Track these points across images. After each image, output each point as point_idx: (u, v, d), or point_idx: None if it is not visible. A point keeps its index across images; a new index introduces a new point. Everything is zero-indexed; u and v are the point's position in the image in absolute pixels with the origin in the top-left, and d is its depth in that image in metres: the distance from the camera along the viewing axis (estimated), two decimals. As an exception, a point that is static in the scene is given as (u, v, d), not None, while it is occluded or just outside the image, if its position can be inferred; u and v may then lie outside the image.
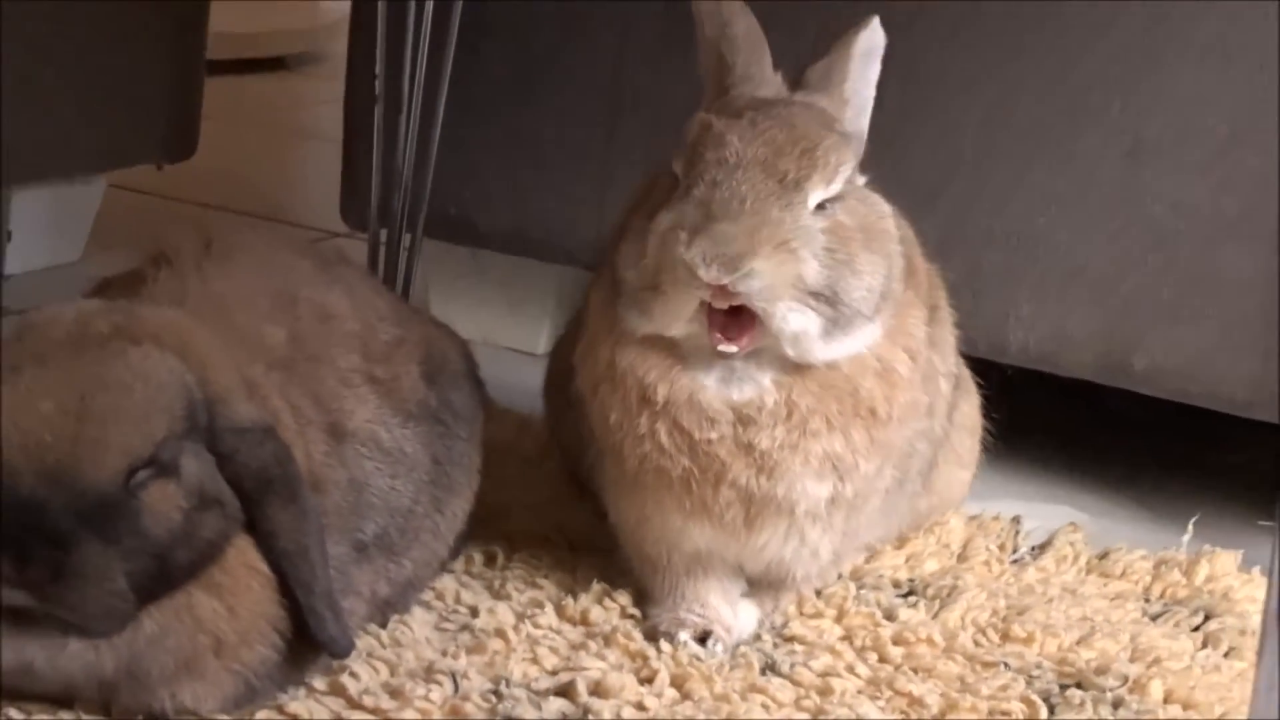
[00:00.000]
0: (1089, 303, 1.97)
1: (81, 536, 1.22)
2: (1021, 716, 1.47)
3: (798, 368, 1.43)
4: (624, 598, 1.60)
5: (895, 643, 1.57)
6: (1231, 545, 1.85)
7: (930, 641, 1.58)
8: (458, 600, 1.59)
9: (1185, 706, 1.50)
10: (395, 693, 1.39)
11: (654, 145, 1.47)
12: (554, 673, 1.46)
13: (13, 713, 1.29)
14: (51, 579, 1.21)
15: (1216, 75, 1.88)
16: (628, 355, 1.47)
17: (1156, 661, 1.57)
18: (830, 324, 1.41)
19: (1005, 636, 1.62)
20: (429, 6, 2.10)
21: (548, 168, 2.23)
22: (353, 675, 1.40)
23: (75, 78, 2.37)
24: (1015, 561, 1.81)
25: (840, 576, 1.69)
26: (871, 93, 1.51)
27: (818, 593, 1.65)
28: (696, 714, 1.41)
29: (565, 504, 1.77)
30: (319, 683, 1.40)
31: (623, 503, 1.55)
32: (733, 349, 1.40)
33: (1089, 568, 1.81)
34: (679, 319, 1.42)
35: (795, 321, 1.39)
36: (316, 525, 1.33)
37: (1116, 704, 1.50)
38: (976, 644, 1.60)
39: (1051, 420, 1.91)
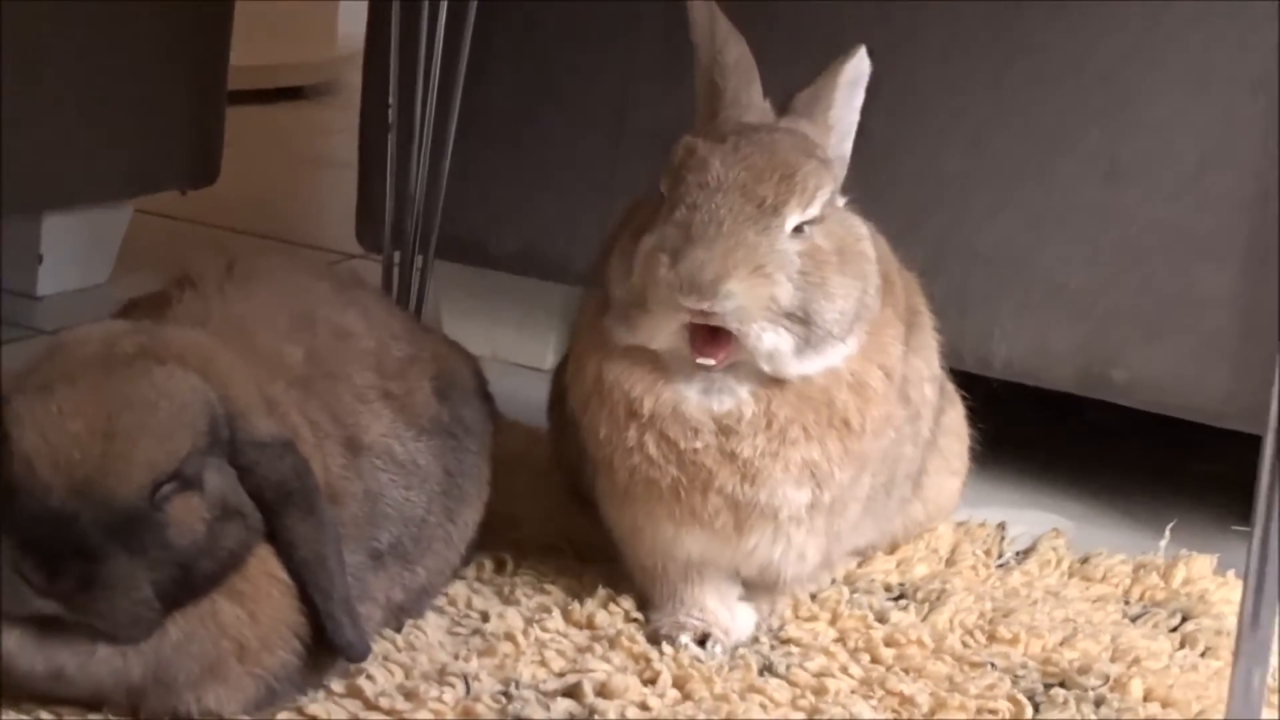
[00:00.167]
0: (1070, 319, 1.97)
1: (109, 548, 1.22)
2: (1008, 715, 1.46)
3: (775, 381, 1.43)
4: (628, 603, 1.60)
5: (887, 644, 1.57)
6: (1207, 550, 1.84)
7: (920, 643, 1.58)
8: (469, 605, 1.59)
9: (1164, 704, 1.50)
10: (410, 695, 1.39)
11: (656, 170, 1.47)
12: (561, 675, 1.46)
13: (44, 715, 1.29)
14: (81, 588, 1.21)
15: (1189, 103, 1.89)
16: (614, 370, 1.46)
17: (1136, 661, 1.57)
18: (803, 343, 1.41)
19: (992, 638, 1.61)
20: (440, 38, 2.10)
21: (554, 191, 2.23)
22: (369, 678, 1.40)
23: (104, 109, 2.37)
24: (1001, 566, 1.81)
25: (834, 581, 1.69)
26: (855, 119, 1.51)
27: (812, 597, 1.65)
28: (697, 714, 1.41)
29: (571, 514, 1.77)
30: (337, 685, 1.39)
31: (618, 515, 1.55)
32: (711, 363, 1.40)
33: (1071, 572, 1.81)
34: (662, 334, 1.42)
35: (769, 340, 1.40)
36: (334, 535, 1.33)
37: (1098, 702, 1.49)
38: (964, 645, 1.60)
39: (1035, 431, 1.91)
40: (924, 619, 1.64)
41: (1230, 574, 1.79)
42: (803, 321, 1.40)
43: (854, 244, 1.47)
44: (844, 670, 1.52)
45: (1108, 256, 1.94)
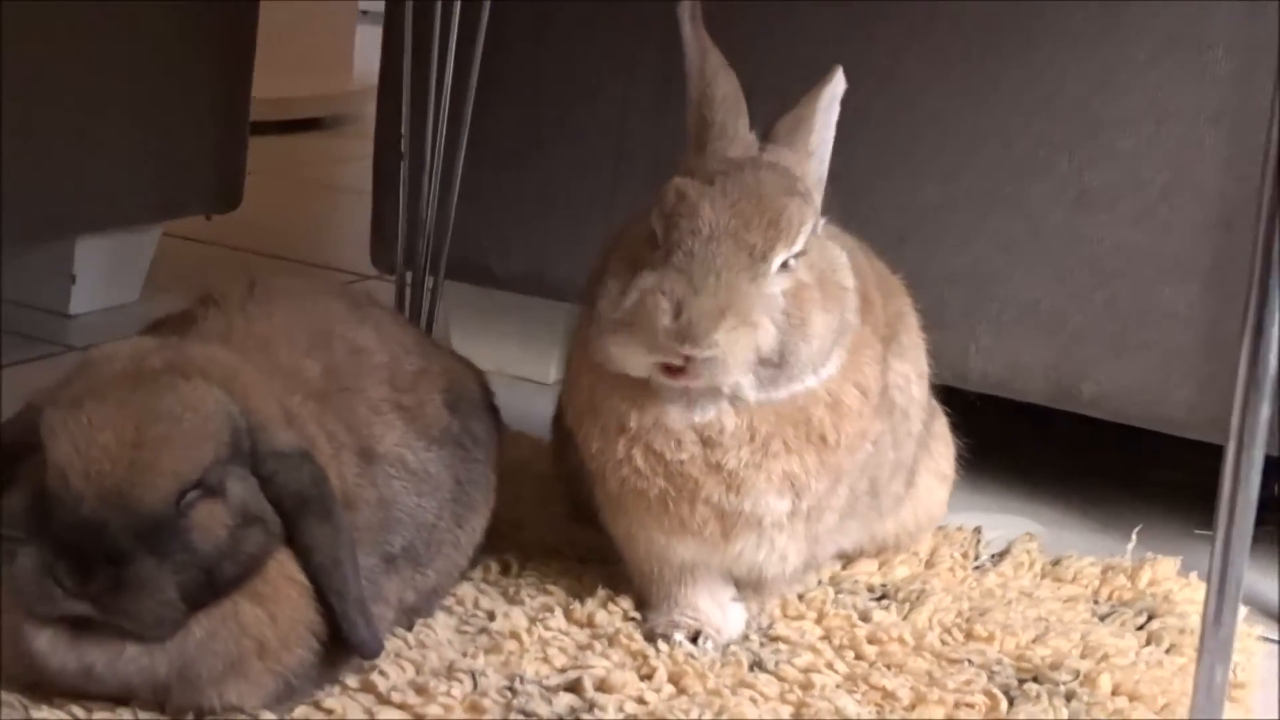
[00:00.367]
0: (1041, 335, 1.97)
1: (137, 552, 1.21)
2: (984, 709, 1.46)
3: None
4: (626, 603, 1.59)
5: (870, 642, 1.57)
6: (1171, 552, 1.84)
7: (901, 640, 1.57)
8: (476, 605, 1.58)
9: (1131, 698, 1.50)
10: (420, 690, 1.39)
11: (651, 193, 1.47)
12: (563, 671, 1.46)
13: (76, 711, 1.29)
14: (110, 591, 1.21)
15: (1152, 134, 1.89)
16: (604, 387, 1.46)
17: (1105, 658, 1.57)
18: (769, 381, 1.41)
19: (969, 636, 1.61)
20: (449, 73, 2.11)
21: (556, 216, 2.23)
22: (382, 674, 1.40)
23: (134, 139, 2.38)
24: (977, 568, 1.81)
25: (820, 582, 1.69)
26: (832, 135, 1.50)
27: (800, 597, 1.65)
28: (691, 708, 1.40)
29: (573, 520, 1.76)
30: (352, 681, 1.39)
31: (614, 522, 1.55)
32: (683, 384, 1.40)
33: (1043, 573, 1.80)
34: (641, 367, 1.41)
35: (726, 381, 1.40)
36: (349, 540, 1.33)
37: (1069, 696, 1.49)
38: (943, 642, 1.59)
39: (1009, 441, 1.91)
40: (905, 618, 1.63)
41: (1193, 575, 1.79)
42: (776, 365, 1.40)
43: (833, 275, 1.46)
44: (829, 666, 1.52)
45: (1077, 277, 1.94)
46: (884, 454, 1.57)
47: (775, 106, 1.50)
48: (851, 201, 1.59)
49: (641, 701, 1.41)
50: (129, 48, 2.32)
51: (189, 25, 2.41)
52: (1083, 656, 1.57)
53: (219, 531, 1.25)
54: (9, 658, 1.28)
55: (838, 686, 1.48)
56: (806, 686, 1.47)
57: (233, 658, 1.27)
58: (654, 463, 1.45)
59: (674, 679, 1.46)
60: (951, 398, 1.80)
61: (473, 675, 1.42)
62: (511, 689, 1.41)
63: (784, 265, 1.40)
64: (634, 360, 1.41)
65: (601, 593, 1.61)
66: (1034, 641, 1.60)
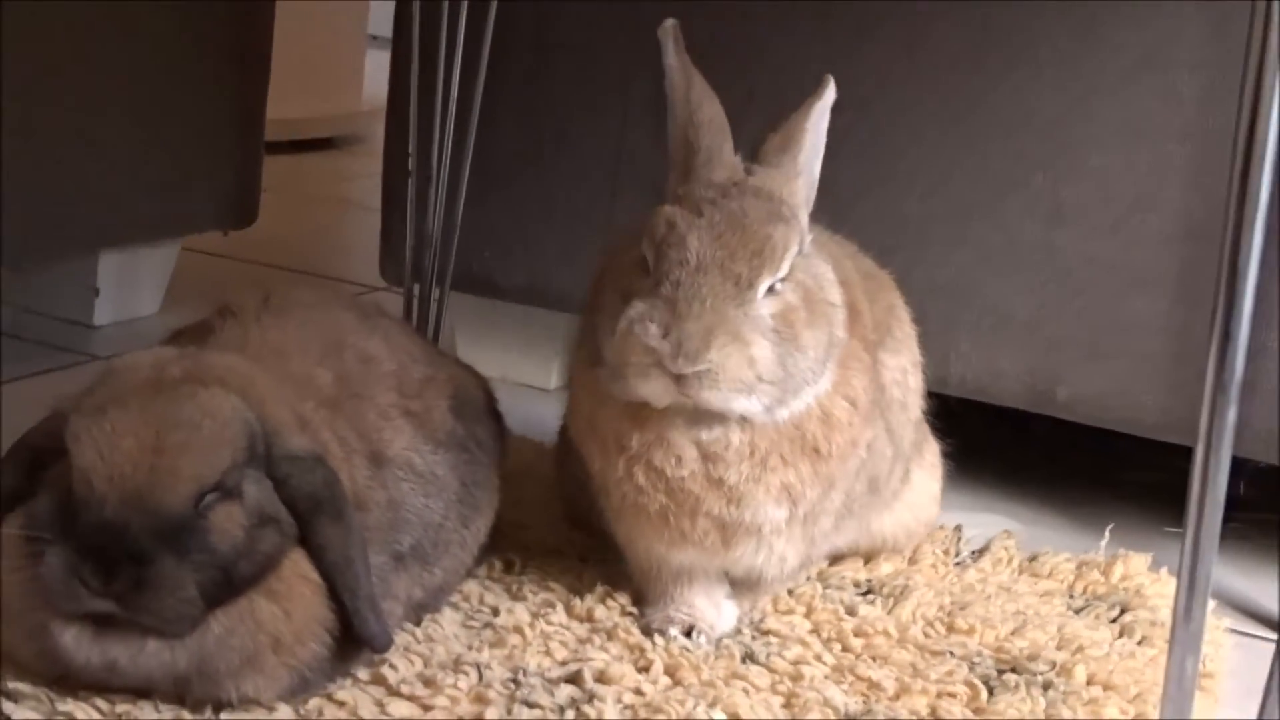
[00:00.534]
0: (1018, 343, 1.97)
1: (158, 552, 1.21)
2: (965, 698, 1.46)
3: None
4: (623, 598, 1.59)
5: (856, 635, 1.56)
6: (1142, 549, 1.84)
7: (886, 634, 1.57)
8: (481, 601, 1.58)
9: (1105, 687, 1.50)
10: (428, 682, 1.38)
11: (650, 209, 1.46)
12: (564, 663, 1.46)
13: (100, 704, 1.29)
14: (133, 589, 1.21)
15: (1123, 151, 1.89)
16: (605, 410, 1.46)
17: (1080, 649, 1.57)
18: (777, 402, 1.40)
19: (950, 629, 1.61)
20: (454, 94, 2.11)
21: (556, 230, 2.23)
22: (392, 667, 1.39)
23: (155, 159, 2.38)
24: (958, 564, 1.81)
25: (809, 578, 1.68)
26: (821, 148, 1.48)
27: (790, 592, 1.64)
28: (686, 698, 1.40)
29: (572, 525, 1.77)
30: (363, 674, 1.39)
31: (616, 528, 1.54)
32: (692, 403, 1.39)
33: (1021, 569, 1.80)
34: (655, 394, 1.40)
35: (739, 406, 1.39)
36: (360, 539, 1.32)
37: (1046, 686, 1.49)
38: (926, 635, 1.59)
39: (987, 443, 1.91)
40: (889, 612, 1.63)
41: (1163, 571, 1.79)
42: (779, 382, 1.39)
43: (820, 292, 1.45)
44: (818, 658, 1.52)
45: (1051, 288, 1.94)
46: (880, 453, 1.57)
47: (763, 127, 1.49)
48: (838, 216, 1.59)
49: (639, 692, 1.41)
50: (151, 77, 2.33)
51: (207, 54, 2.41)
52: (1059, 648, 1.57)
53: (236, 532, 1.25)
54: (36, 653, 1.28)
55: (826, 677, 1.48)
56: (796, 678, 1.47)
57: (249, 652, 1.27)
58: (655, 479, 1.44)
59: (670, 671, 1.46)
60: (932, 402, 1.80)
61: (478, 668, 1.41)
62: (515, 681, 1.40)
63: (770, 289, 1.39)
64: (644, 390, 1.39)
65: (600, 589, 1.60)
66: (1012, 634, 1.60)
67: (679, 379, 1.36)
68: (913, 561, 1.78)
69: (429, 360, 1.61)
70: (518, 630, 1.51)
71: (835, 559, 1.74)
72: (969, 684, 1.48)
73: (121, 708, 1.28)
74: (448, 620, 1.52)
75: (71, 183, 2.23)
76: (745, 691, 1.43)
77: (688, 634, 1.53)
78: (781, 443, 1.43)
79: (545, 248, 2.24)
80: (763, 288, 1.39)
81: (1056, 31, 1.90)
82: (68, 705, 1.28)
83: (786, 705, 1.42)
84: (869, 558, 1.76)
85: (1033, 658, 1.54)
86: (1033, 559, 1.82)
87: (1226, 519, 1.24)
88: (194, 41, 2.38)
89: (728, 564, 1.52)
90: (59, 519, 1.23)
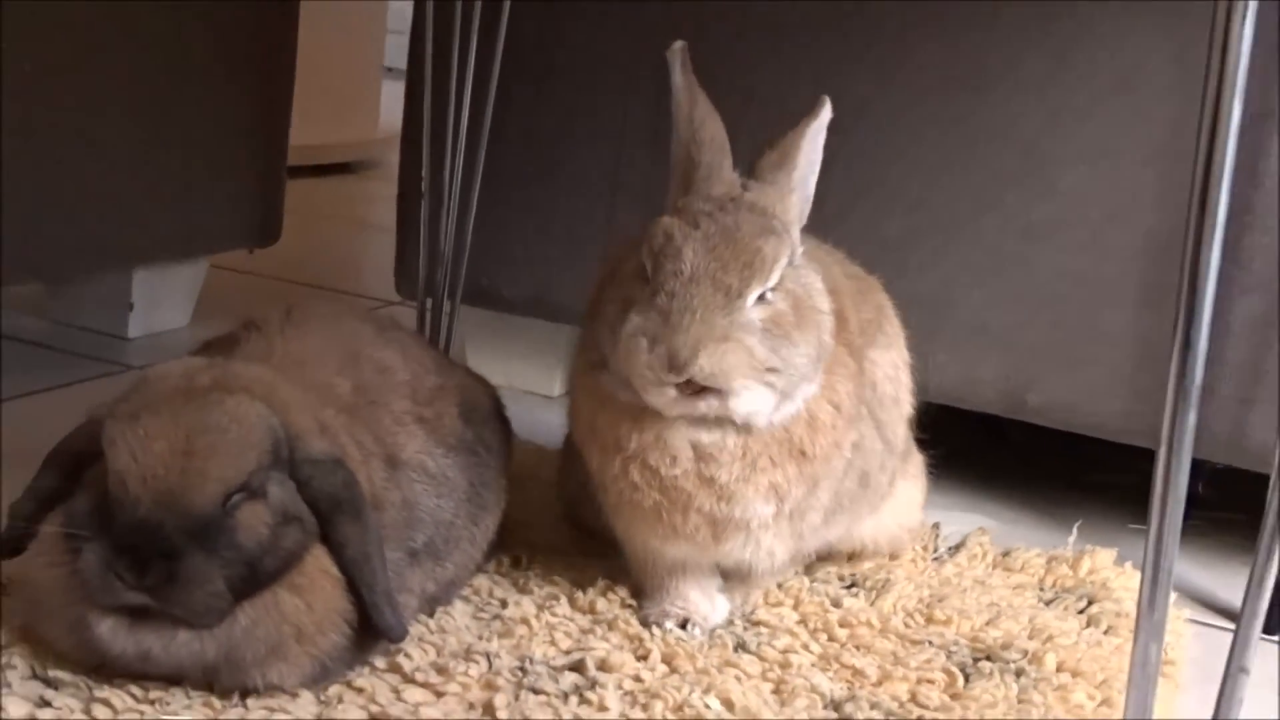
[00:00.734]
0: (993, 352, 1.97)
1: (189, 549, 1.22)
2: (943, 684, 1.46)
3: None
4: (623, 592, 1.59)
5: (841, 625, 1.57)
6: (1108, 544, 1.84)
7: (869, 624, 1.57)
8: (490, 595, 1.58)
9: (1074, 674, 1.50)
10: (441, 670, 1.39)
11: (643, 222, 1.46)
12: (568, 652, 1.46)
13: (134, 690, 1.29)
14: (165, 583, 1.21)
15: (1094, 171, 1.89)
16: (605, 413, 1.46)
17: (1050, 638, 1.57)
18: (782, 396, 1.40)
19: (929, 619, 1.61)
20: (464, 122, 2.11)
21: (559, 247, 2.23)
22: (407, 656, 1.40)
23: (185, 182, 2.38)
24: (936, 559, 1.81)
25: (796, 573, 1.68)
26: (817, 165, 1.48)
27: (779, 586, 1.65)
28: (682, 685, 1.40)
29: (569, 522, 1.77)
30: (380, 662, 1.39)
31: (613, 523, 1.53)
32: (700, 410, 1.39)
33: (995, 564, 1.80)
34: (672, 407, 1.39)
35: (747, 401, 1.38)
36: (377, 537, 1.32)
37: (1019, 673, 1.49)
38: (906, 626, 1.59)
39: (964, 447, 1.91)
40: (872, 604, 1.63)
41: (1128, 565, 1.79)
42: (778, 370, 1.38)
43: (808, 300, 1.44)
44: (805, 647, 1.52)
45: (1025, 300, 1.94)
46: (870, 449, 1.55)
47: (750, 152, 1.49)
48: (824, 231, 1.59)
49: (638, 679, 1.41)
50: (185, 108, 2.33)
51: (235, 86, 2.41)
52: (1030, 637, 1.57)
53: (261, 530, 1.25)
54: (75, 644, 1.29)
55: (813, 665, 1.48)
56: (785, 665, 1.47)
57: (274, 642, 1.27)
58: (649, 477, 1.44)
59: (667, 659, 1.46)
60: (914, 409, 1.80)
61: (488, 657, 1.41)
62: (522, 669, 1.41)
63: (761, 298, 1.39)
64: (659, 401, 1.39)
65: (601, 583, 1.61)
66: (987, 624, 1.60)
67: (695, 392, 1.36)
68: (893, 557, 1.78)
69: (440, 370, 1.61)
70: (524, 622, 1.51)
71: (822, 557, 1.74)
72: (946, 671, 1.48)
73: (155, 694, 1.29)
74: (459, 612, 1.52)
75: (108, 204, 2.24)
76: (737, 679, 1.43)
77: (682, 626, 1.53)
78: (771, 445, 1.43)
79: (549, 264, 2.24)
80: (752, 297, 1.38)
81: (1031, 57, 1.90)
82: (104, 692, 1.28)
83: (776, 691, 1.42)
84: (853, 557, 1.75)
85: (1006, 646, 1.54)
86: (1006, 554, 1.82)
87: (1186, 517, 1.25)
88: (224, 78, 2.39)
89: (719, 557, 1.52)
90: (96, 518, 1.23)
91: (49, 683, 1.29)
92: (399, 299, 2.41)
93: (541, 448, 1.96)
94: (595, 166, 2.17)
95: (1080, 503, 2.06)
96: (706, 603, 1.56)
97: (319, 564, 1.30)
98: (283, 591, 1.28)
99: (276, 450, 1.27)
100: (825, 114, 1.47)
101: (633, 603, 1.58)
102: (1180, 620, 1.69)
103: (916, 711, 1.41)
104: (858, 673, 1.47)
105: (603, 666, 1.42)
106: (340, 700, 1.32)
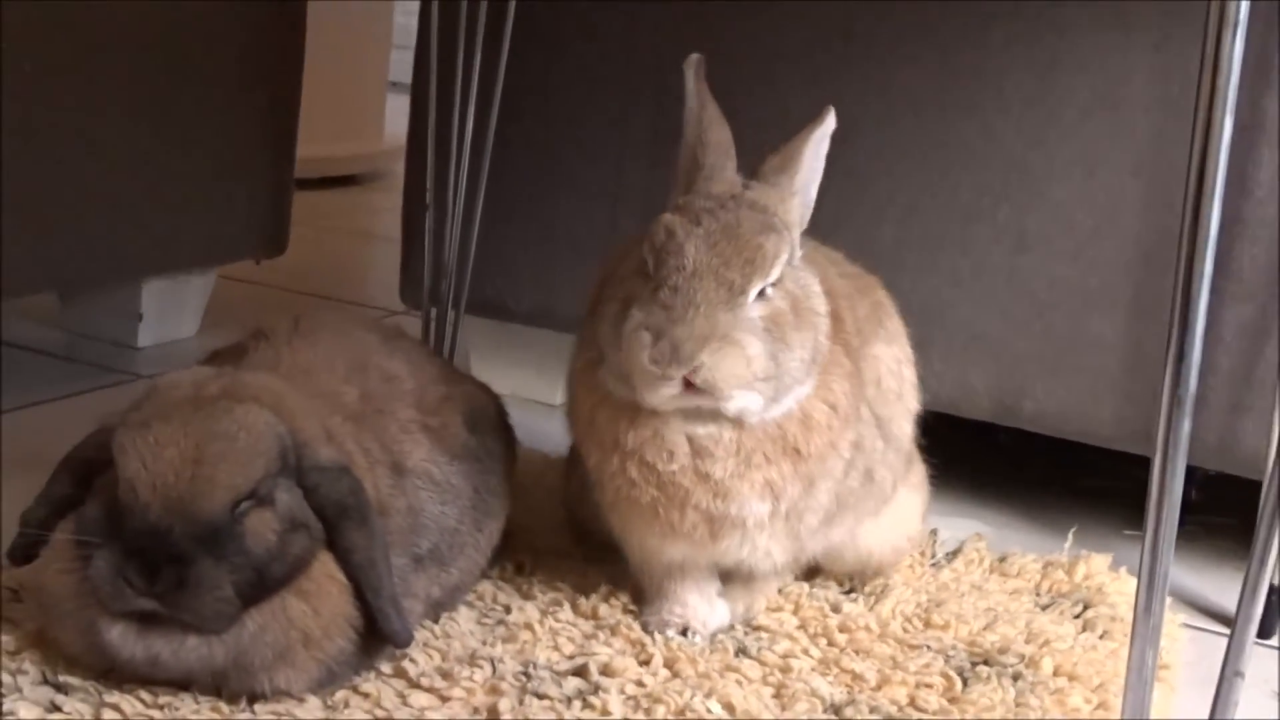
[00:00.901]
0: (986, 360, 1.96)
1: (198, 555, 1.21)
2: (941, 688, 1.45)
3: None
4: (625, 597, 1.58)
5: (840, 630, 1.56)
6: (1103, 550, 1.83)
7: (868, 629, 1.56)
8: (494, 600, 1.57)
9: (1070, 678, 1.49)
10: (446, 675, 1.38)
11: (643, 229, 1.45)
12: (571, 657, 1.45)
13: (144, 695, 1.28)
14: (174, 589, 1.21)
15: (1082, 184, 1.89)
16: (603, 411, 1.44)
17: (1046, 643, 1.56)
18: (770, 400, 1.39)
19: (927, 624, 1.60)
20: (468, 134, 2.11)
21: (562, 257, 2.22)
22: (412, 661, 1.39)
23: (194, 194, 2.37)
24: (933, 565, 1.80)
25: (795, 578, 1.67)
26: (819, 172, 1.47)
27: (779, 591, 1.63)
28: (684, 689, 1.39)
29: (572, 526, 1.76)
30: (385, 667, 1.38)
31: (611, 522, 1.52)
32: (694, 403, 1.38)
33: (991, 569, 1.79)
34: (667, 402, 1.38)
35: (738, 402, 1.37)
36: (383, 543, 1.32)
37: (1016, 677, 1.48)
38: (904, 630, 1.59)
39: (959, 453, 1.90)
40: (871, 609, 1.62)
41: (1123, 570, 1.78)
42: (773, 377, 1.37)
43: (806, 300, 1.43)
44: (805, 652, 1.51)
45: (1016, 309, 1.94)
46: (871, 447, 1.53)
47: (749, 165, 1.49)
48: (819, 242, 1.58)
49: (640, 684, 1.40)
50: (192, 123, 2.33)
51: (242, 102, 2.41)
52: (1027, 642, 1.56)
53: (269, 536, 1.25)
54: (85, 648, 1.28)
55: (813, 670, 1.47)
56: (785, 670, 1.46)
57: (281, 647, 1.26)
58: (646, 473, 1.42)
59: (669, 664, 1.45)
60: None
61: (492, 662, 1.41)
62: (526, 674, 1.40)
63: (761, 294, 1.38)
64: (652, 399, 1.38)
65: (604, 589, 1.60)
66: (984, 629, 1.59)
67: (685, 385, 1.35)
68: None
69: (445, 378, 1.60)
70: (528, 627, 1.50)
71: (823, 570, 1.71)
72: (945, 675, 1.47)
73: (163, 699, 1.28)
74: (464, 617, 1.52)
75: (118, 217, 2.23)
76: (738, 683, 1.42)
77: (683, 634, 1.52)
78: (765, 442, 1.42)
79: (551, 274, 2.23)
80: (753, 292, 1.37)
81: (1019, 73, 1.90)
82: (114, 697, 1.27)
83: (776, 695, 1.41)
84: (859, 577, 1.70)
85: (1003, 651, 1.53)
86: (1002, 559, 1.81)
87: (1179, 522, 1.24)
88: (232, 92, 2.38)
89: (716, 557, 1.50)
90: (106, 524, 1.23)
91: (59, 687, 1.29)
92: (404, 308, 2.41)
93: (545, 455, 1.95)
94: (598, 177, 2.17)
95: (1074, 509, 2.05)
96: (705, 606, 1.55)
97: (326, 570, 1.29)
98: (290, 597, 1.27)
99: (284, 457, 1.27)
100: (830, 122, 1.46)
101: (635, 608, 1.57)
102: (1174, 624, 1.68)
103: (915, 715, 1.40)
104: (857, 677, 1.46)
105: (605, 671, 1.41)
106: (346, 705, 1.32)
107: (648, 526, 1.46)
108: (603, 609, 1.56)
